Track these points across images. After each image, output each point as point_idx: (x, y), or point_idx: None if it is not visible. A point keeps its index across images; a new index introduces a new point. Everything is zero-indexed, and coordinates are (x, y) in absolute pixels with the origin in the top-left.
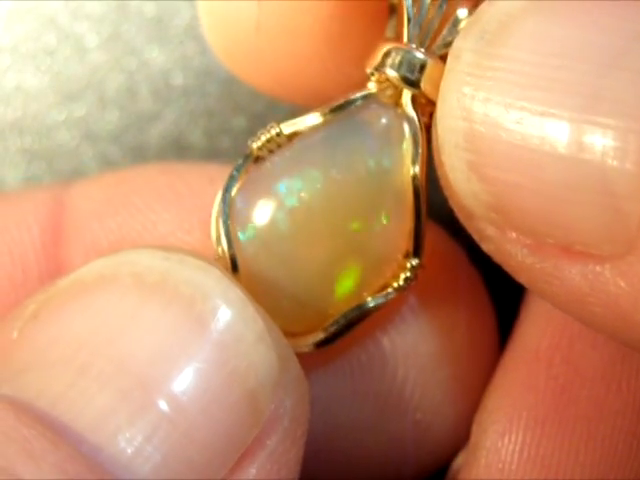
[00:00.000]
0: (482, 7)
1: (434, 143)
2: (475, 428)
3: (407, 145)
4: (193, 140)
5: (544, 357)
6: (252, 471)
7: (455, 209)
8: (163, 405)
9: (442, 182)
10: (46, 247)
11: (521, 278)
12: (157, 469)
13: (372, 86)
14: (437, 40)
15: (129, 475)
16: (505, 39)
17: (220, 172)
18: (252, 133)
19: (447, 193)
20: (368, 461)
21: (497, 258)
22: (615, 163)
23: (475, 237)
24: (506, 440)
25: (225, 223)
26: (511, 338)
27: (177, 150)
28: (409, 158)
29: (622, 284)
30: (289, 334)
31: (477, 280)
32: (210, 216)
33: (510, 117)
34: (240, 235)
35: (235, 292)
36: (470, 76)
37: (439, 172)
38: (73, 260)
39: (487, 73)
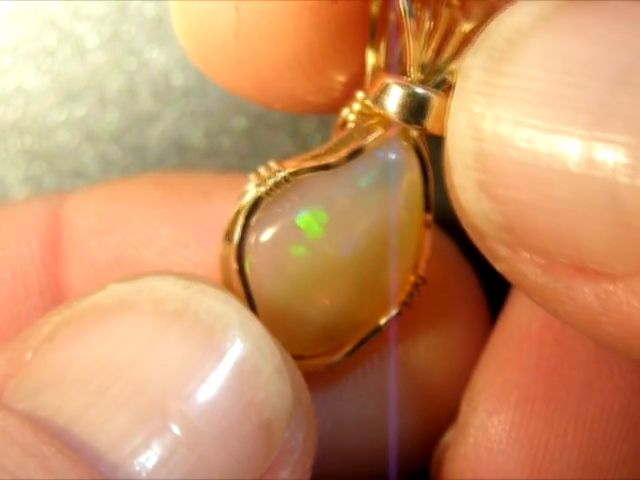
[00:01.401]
0: (491, 25)
1: (445, 164)
2: (464, 406)
3: (417, 177)
4: (193, 140)
5: (536, 337)
6: None
7: (467, 229)
8: (179, 430)
9: (453, 203)
10: (46, 263)
11: (534, 298)
12: None
13: (371, 120)
14: (439, 68)
15: None
16: (514, 56)
17: (215, 184)
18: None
19: (459, 214)
20: (370, 457)
21: (510, 278)
22: (627, 180)
23: (488, 257)
24: (495, 419)
25: (241, 269)
26: (502, 317)
27: (177, 150)
28: (418, 190)
29: (635, 303)
30: (299, 357)
31: (471, 275)
32: (206, 232)
33: (520, 135)
34: (252, 272)
35: (254, 324)
36: (480, 95)
37: (450, 193)
38: (72, 277)
39: (497, 91)
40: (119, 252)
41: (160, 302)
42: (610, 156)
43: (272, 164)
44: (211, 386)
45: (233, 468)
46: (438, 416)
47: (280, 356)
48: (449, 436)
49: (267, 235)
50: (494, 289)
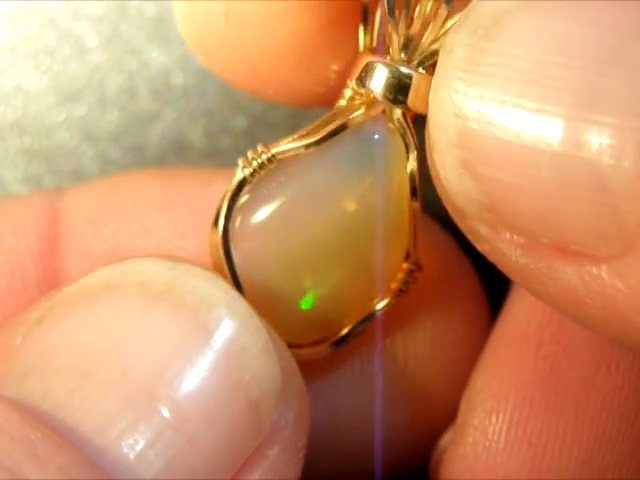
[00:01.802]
0: (475, 2)
1: (426, 141)
2: (463, 406)
3: (402, 159)
4: (193, 140)
5: (533, 336)
6: None
7: (448, 208)
8: (167, 412)
9: (434, 181)
10: (43, 256)
11: (516, 278)
12: (160, 475)
13: (356, 101)
14: (421, 48)
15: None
16: (499, 34)
17: (213, 175)
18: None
19: (440, 192)
20: (367, 450)
21: (491, 258)
22: (612, 161)
23: (469, 237)
24: (494, 419)
25: (227, 251)
26: (500, 317)
27: (177, 150)
28: (404, 172)
29: (620, 286)
30: (296, 346)
31: (470, 270)
32: (204, 221)
33: (504, 114)
34: (239, 256)
35: (241, 303)
36: (463, 71)
37: (431, 171)
38: (69, 268)
39: (480, 69)
40: (115, 243)
41: (146, 284)
42: (596, 137)
43: (258, 146)
44: (198, 367)
45: (221, 449)
46: (435, 411)
47: (268, 336)
48: (448, 436)
49: (252, 217)
50: (493, 285)
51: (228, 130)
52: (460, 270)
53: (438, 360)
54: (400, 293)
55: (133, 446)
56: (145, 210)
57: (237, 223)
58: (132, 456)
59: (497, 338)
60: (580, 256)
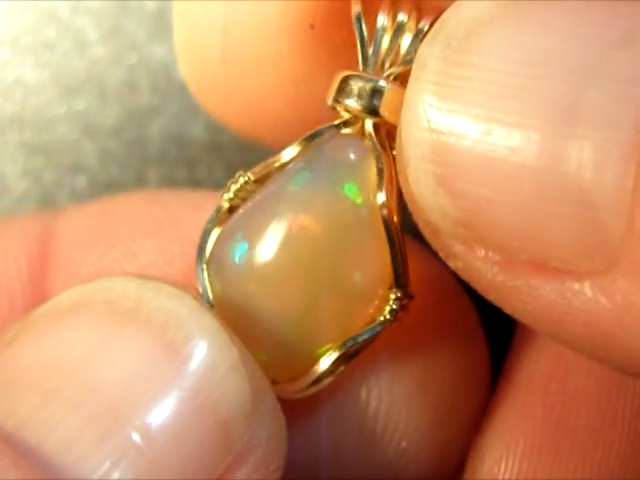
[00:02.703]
0: (447, 13)
1: (397, 155)
2: (472, 453)
3: (374, 176)
4: (193, 134)
5: (540, 385)
6: None
7: (420, 225)
8: (132, 431)
9: (406, 197)
10: (32, 278)
11: (491, 296)
12: None
13: (337, 119)
14: (395, 62)
15: None
16: (473, 46)
17: (205, 199)
18: None
19: (411, 208)
20: None
21: (465, 276)
22: (594, 175)
23: (441, 254)
24: (502, 466)
25: (201, 279)
26: (507, 365)
27: (177, 144)
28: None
29: (604, 302)
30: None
31: (465, 303)
32: (191, 246)
33: (480, 128)
34: (218, 284)
35: (209, 320)
36: (436, 85)
37: (403, 186)
38: (57, 291)
39: (455, 82)
40: (101, 266)
41: (114, 302)
42: (576, 150)
43: (237, 174)
44: (164, 386)
45: (188, 469)
46: (422, 457)
47: (237, 354)
48: None
49: (225, 238)
50: (495, 316)
51: None
52: (455, 304)
53: (427, 398)
54: (387, 323)
55: (96, 466)
56: (133, 233)
57: (214, 243)
58: (95, 476)
59: (504, 386)
60: (561, 272)
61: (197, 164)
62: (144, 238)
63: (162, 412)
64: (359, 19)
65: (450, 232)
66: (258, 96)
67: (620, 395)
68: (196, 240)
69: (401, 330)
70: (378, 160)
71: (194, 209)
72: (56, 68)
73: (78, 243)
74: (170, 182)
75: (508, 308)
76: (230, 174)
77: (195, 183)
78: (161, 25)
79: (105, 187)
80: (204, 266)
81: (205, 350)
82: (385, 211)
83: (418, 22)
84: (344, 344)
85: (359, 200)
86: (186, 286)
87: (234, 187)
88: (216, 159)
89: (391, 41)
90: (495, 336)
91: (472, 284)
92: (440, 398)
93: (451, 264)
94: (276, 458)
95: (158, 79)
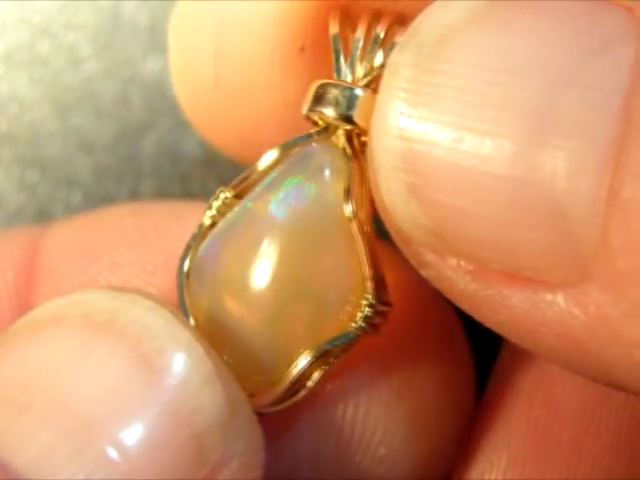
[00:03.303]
0: (419, 19)
1: (369, 163)
2: (456, 464)
3: (344, 183)
4: (187, 149)
5: (525, 398)
6: None
7: (391, 233)
8: (105, 446)
9: (377, 205)
10: (19, 291)
11: (463, 305)
12: None
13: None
14: (370, 72)
15: None
16: (446, 53)
17: (189, 210)
18: None
19: (383, 216)
20: None
21: (437, 285)
22: (568, 186)
23: (413, 262)
24: (486, 479)
25: (181, 292)
26: (492, 378)
27: (171, 159)
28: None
29: (577, 313)
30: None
31: (450, 313)
32: (175, 257)
33: (452, 137)
34: (196, 297)
35: (183, 333)
36: (408, 93)
37: (374, 194)
38: (42, 303)
39: (427, 90)
40: (86, 278)
41: (89, 315)
42: (551, 160)
43: (219, 189)
44: (137, 399)
45: None
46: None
47: (212, 365)
48: None
49: (202, 251)
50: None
51: None
52: (435, 311)
53: (405, 405)
54: (360, 330)
55: None
56: (117, 245)
57: (195, 257)
58: None
59: (489, 397)
60: (534, 282)
61: (191, 179)
62: (128, 249)
63: (136, 426)
64: (336, 39)
65: (422, 241)
66: (252, 120)
67: (604, 409)
68: (179, 251)
69: (383, 339)
70: (349, 168)
71: (177, 220)
72: (50, 84)
73: (64, 256)
74: (164, 197)
75: (480, 317)
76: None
77: (189, 198)
78: (154, 41)
79: (100, 202)
80: (184, 280)
81: (179, 363)
82: (355, 219)
83: (397, 35)
84: (317, 348)
85: (331, 207)
86: (167, 297)
87: (216, 204)
88: (210, 174)
89: (368, 52)
90: (482, 348)
91: (444, 293)
92: (420, 407)
93: (423, 273)
94: (253, 469)
95: (152, 94)
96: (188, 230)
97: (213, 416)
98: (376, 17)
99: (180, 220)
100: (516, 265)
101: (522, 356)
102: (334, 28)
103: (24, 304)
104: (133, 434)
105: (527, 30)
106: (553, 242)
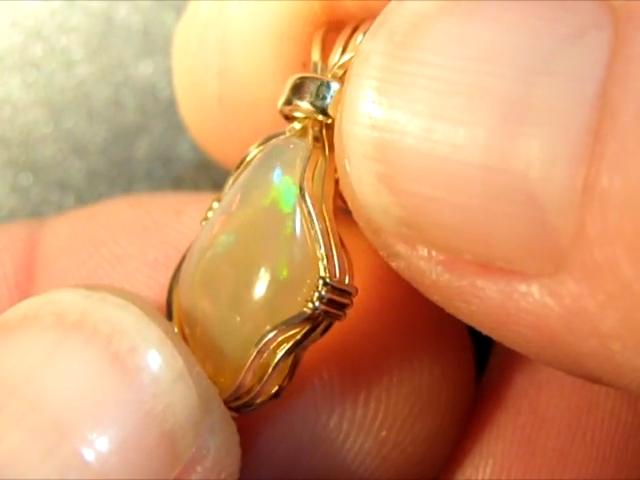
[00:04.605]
0: (390, 6)
1: (337, 152)
2: (442, 474)
3: (310, 169)
4: (180, 152)
5: (512, 405)
6: None
7: (360, 223)
8: (77, 445)
9: (346, 194)
10: (19, 284)
11: (434, 296)
12: None
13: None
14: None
15: None
16: (418, 41)
17: (187, 203)
18: None
19: (351, 206)
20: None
21: (407, 276)
22: (542, 175)
23: (382, 253)
24: None
25: (169, 295)
26: (479, 386)
27: (164, 162)
28: (311, 182)
29: (552, 304)
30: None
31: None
32: (174, 250)
33: (424, 125)
34: (178, 296)
35: (154, 330)
36: (379, 81)
37: (342, 183)
38: None
39: (397, 78)
40: (85, 271)
41: (61, 314)
42: (524, 149)
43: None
44: (108, 398)
45: None
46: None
47: (183, 362)
48: None
49: (189, 254)
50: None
51: None
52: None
53: (406, 385)
54: (317, 311)
55: None
56: (117, 237)
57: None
58: None
59: (475, 406)
60: (508, 273)
61: (183, 182)
62: (127, 242)
63: (108, 425)
64: (316, 65)
65: (392, 231)
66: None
67: (590, 417)
68: (178, 244)
69: (384, 322)
70: (308, 152)
71: (175, 213)
72: (43, 87)
73: (63, 249)
74: None
75: (452, 309)
76: (216, 192)
77: None
78: (147, 44)
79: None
80: (172, 282)
81: (150, 360)
82: (312, 199)
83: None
84: (273, 328)
85: (291, 190)
86: (161, 293)
87: (210, 214)
88: (202, 177)
89: (344, 53)
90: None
91: (415, 284)
92: (421, 387)
93: (393, 264)
94: (227, 466)
95: (144, 98)
96: (186, 225)
97: (185, 413)
98: (362, 24)
99: (178, 214)
100: (489, 255)
101: (510, 364)
102: (315, 55)
103: (24, 296)
104: (105, 433)
105: (500, 17)
106: (527, 232)
